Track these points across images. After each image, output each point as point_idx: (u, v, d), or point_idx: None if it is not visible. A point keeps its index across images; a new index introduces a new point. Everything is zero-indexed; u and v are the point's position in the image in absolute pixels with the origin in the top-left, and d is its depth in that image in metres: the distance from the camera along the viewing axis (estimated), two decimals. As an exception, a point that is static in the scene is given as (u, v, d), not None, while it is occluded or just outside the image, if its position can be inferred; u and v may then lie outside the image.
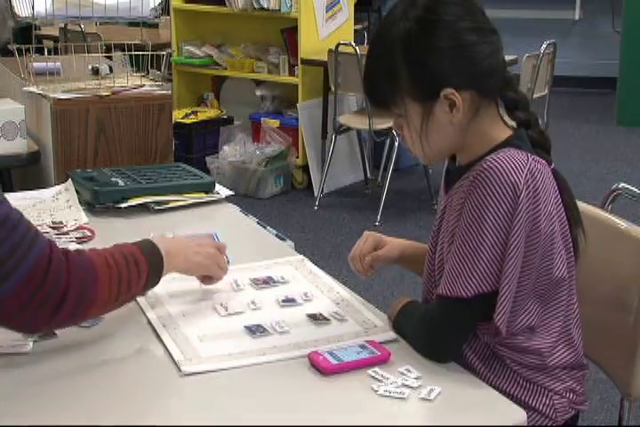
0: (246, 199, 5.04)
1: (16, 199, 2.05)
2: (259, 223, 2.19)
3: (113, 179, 2.31)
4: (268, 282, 1.78)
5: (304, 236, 4.62)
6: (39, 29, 5.50)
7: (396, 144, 4.89)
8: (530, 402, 1.55)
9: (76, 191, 2.31)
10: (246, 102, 5.71)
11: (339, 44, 4.82)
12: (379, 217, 4.81)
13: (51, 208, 2.23)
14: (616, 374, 1.80)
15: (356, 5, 5.65)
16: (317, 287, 1.77)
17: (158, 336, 1.54)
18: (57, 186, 2.41)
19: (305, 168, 5.36)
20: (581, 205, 1.80)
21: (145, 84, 2.95)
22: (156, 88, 2.93)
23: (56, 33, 6.01)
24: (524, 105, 1.58)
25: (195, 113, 5.55)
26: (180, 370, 1.43)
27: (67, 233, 2.04)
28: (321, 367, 1.42)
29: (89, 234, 2.05)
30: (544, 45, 4.87)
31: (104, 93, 2.83)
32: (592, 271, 1.78)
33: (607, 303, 1.79)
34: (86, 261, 1.44)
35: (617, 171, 5.74)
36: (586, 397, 1.63)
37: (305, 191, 5.36)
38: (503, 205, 1.45)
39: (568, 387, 1.58)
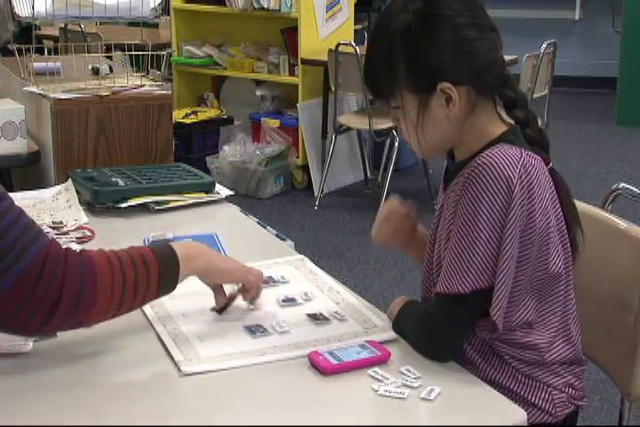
0: (246, 199, 5.04)
1: (16, 199, 2.02)
2: (259, 223, 2.19)
3: (113, 179, 2.31)
4: (268, 282, 1.77)
5: (304, 236, 4.62)
6: (39, 29, 5.49)
7: (396, 144, 4.89)
8: (529, 397, 1.56)
9: (76, 191, 2.30)
10: (246, 102, 5.71)
11: (339, 44, 4.81)
12: (379, 217, 4.81)
13: (51, 208, 2.23)
14: (616, 374, 1.80)
15: (356, 5, 5.65)
16: (317, 287, 1.77)
17: (158, 336, 1.55)
18: (57, 186, 2.41)
19: (305, 168, 5.36)
20: (581, 204, 1.80)
21: (145, 84, 2.95)
22: (156, 88, 2.94)
23: (56, 33, 6.02)
24: (522, 103, 1.59)
25: (195, 113, 5.55)
26: (180, 370, 1.43)
27: (67, 233, 2.04)
28: (321, 367, 1.42)
29: (89, 234, 2.05)
30: (544, 45, 4.87)
31: (104, 93, 2.83)
32: (592, 271, 1.78)
33: (607, 303, 1.79)
34: (86, 260, 1.41)
35: (617, 171, 5.74)
36: (585, 393, 1.63)
37: (305, 191, 5.37)
38: (497, 199, 1.45)
39: (567, 382, 1.59)
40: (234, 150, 5.28)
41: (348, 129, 5.18)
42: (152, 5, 2.99)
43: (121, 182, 2.28)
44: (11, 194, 1.42)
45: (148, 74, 3.08)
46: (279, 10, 5.18)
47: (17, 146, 2.90)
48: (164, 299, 1.69)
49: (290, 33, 5.30)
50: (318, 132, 5.32)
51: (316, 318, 1.61)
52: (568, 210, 1.59)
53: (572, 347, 1.60)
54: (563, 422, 1.58)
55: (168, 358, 1.47)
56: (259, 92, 5.57)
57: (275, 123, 5.43)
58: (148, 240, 1.98)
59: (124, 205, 2.21)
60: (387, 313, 1.63)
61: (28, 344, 1.50)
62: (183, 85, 5.85)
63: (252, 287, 1.64)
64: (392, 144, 5.02)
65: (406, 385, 1.38)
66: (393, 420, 1.33)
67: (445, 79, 1.50)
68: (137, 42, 3.03)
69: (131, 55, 3.03)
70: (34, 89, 2.88)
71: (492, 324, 1.50)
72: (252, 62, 5.48)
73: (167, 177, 2.37)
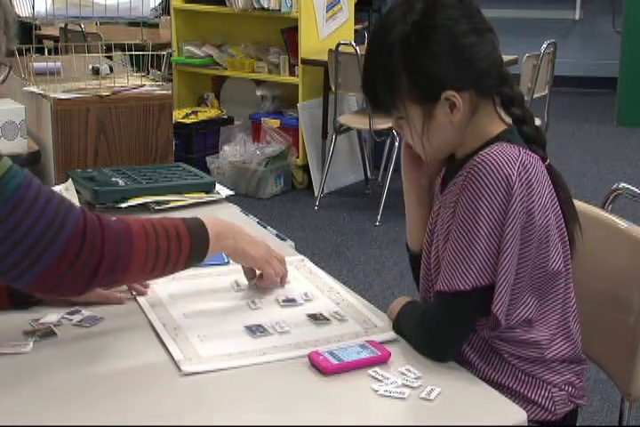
0: (246, 199, 5.04)
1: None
2: (259, 223, 2.19)
3: (113, 179, 2.31)
4: (268, 282, 1.77)
5: (304, 236, 4.62)
6: (39, 29, 5.50)
7: (397, 144, 4.89)
8: (528, 395, 1.56)
9: (77, 191, 2.30)
10: (246, 102, 5.71)
11: (339, 44, 4.82)
12: (379, 217, 4.81)
13: (51, 208, 2.23)
14: (616, 374, 1.80)
15: (356, 5, 5.65)
16: (318, 287, 1.77)
17: (158, 336, 1.54)
18: (57, 186, 2.40)
19: (305, 168, 5.36)
20: (581, 204, 1.80)
21: (145, 84, 2.95)
22: (156, 88, 2.93)
23: (56, 33, 6.02)
24: (519, 101, 1.60)
25: (195, 113, 5.55)
26: (180, 370, 1.43)
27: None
28: (321, 367, 1.42)
29: (89, 234, 2.04)
30: (544, 45, 4.87)
31: (104, 93, 2.83)
32: (592, 271, 1.78)
33: (607, 303, 1.79)
34: (123, 227, 1.48)
35: (617, 171, 5.74)
36: (585, 392, 1.63)
37: (305, 191, 5.37)
38: (497, 197, 1.45)
39: (566, 380, 1.59)
40: (234, 150, 5.28)
41: (349, 129, 5.18)
42: (152, 5, 2.99)
43: (121, 182, 2.28)
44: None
45: (148, 74, 3.08)
46: (279, 10, 5.18)
47: (17, 146, 2.90)
48: (165, 299, 1.69)
49: (290, 33, 5.30)
50: (318, 132, 5.32)
51: (316, 318, 1.62)
52: (566, 206, 1.60)
53: (571, 345, 1.60)
54: (562, 420, 1.59)
55: (168, 357, 1.47)
56: (259, 92, 5.57)
57: (275, 123, 5.43)
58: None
59: (124, 205, 2.21)
60: (387, 313, 1.63)
61: (28, 344, 1.50)
62: (183, 85, 5.85)
63: (267, 279, 1.72)
64: (392, 144, 5.02)
65: (406, 385, 1.38)
66: (393, 420, 1.33)
67: (449, 87, 1.51)
68: (137, 42, 3.03)
69: (131, 55, 3.03)
70: (34, 89, 2.88)
71: (493, 320, 1.50)
72: (253, 62, 5.48)
73: (167, 177, 2.38)
